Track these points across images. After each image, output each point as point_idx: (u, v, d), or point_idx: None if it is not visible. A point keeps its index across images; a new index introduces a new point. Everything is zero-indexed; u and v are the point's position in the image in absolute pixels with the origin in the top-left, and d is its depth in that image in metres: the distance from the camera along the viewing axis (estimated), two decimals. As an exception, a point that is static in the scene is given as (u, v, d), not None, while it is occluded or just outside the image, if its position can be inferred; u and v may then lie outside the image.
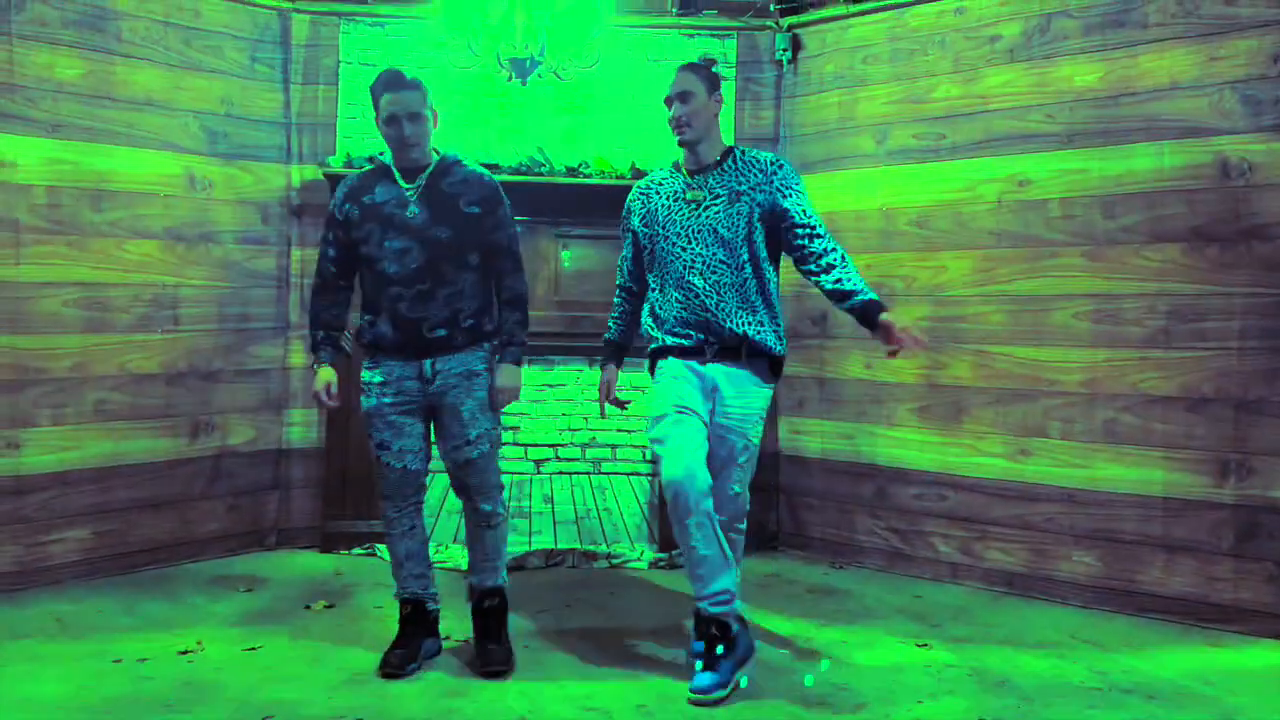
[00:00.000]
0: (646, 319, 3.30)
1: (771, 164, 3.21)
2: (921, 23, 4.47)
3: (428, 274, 3.15)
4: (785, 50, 4.82)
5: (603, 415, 3.57)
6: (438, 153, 3.27)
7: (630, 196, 3.37)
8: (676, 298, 3.18)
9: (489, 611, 3.32)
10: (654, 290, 3.28)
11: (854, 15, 4.65)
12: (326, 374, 3.24)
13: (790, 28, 4.82)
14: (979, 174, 4.31)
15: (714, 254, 3.15)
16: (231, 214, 4.55)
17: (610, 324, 3.47)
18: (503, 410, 3.31)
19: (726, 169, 3.22)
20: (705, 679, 3.03)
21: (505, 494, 3.37)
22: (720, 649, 3.07)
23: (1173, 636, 3.67)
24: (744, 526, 3.28)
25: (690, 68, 3.26)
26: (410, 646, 3.24)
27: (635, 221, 3.32)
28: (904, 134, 4.51)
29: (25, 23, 3.95)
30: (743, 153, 3.25)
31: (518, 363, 3.28)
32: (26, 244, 3.97)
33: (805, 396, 4.80)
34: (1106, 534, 4.00)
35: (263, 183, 4.65)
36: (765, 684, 3.16)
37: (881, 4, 4.57)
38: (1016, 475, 4.21)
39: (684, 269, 3.16)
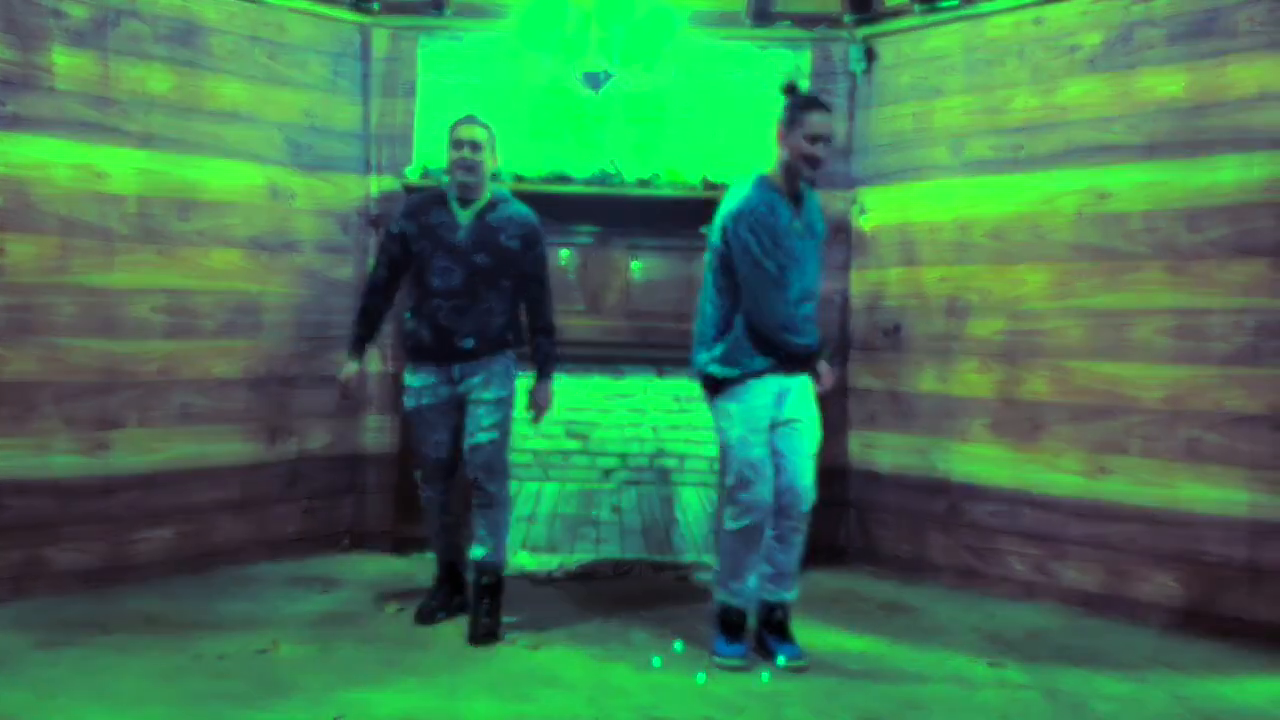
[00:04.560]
0: (741, 340, 3.38)
1: (823, 211, 3.60)
2: (999, 33, 4.41)
3: (465, 292, 3.66)
4: (860, 61, 4.78)
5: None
6: (492, 192, 3.76)
7: (752, 207, 3.32)
8: (786, 321, 3.36)
9: (487, 588, 3.71)
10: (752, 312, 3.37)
11: (930, 26, 4.60)
12: (355, 368, 3.86)
13: (865, 39, 4.79)
14: (1058, 186, 4.23)
15: (808, 282, 3.44)
16: (312, 224, 4.67)
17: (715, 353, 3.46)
18: (540, 422, 3.95)
19: (809, 205, 3.51)
20: (795, 649, 3.45)
21: (512, 487, 4.01)
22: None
23: (1259, 663, 3.55)
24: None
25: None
26: (438, 597, 3.85)
27: (764, 236, 3.30)
28: (980, 145, 4.45)
29: (121, 38, 4.10)
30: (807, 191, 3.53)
31: (551, 380, 3.87)
32: (118, 252, 4.12)
33: (877, 410, 4.75)
34: (1189, 556, 3.89)
35: (343, 193, 4.75)
36: (834, 701, 3.13)
37: (958, 15, 4.52)
38: (1095, 493, 4.12)
39: (794, 294, 3.37)
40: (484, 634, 3.60)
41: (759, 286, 3.31)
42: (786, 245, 3.34)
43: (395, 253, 3.77)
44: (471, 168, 3.67)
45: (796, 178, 3.38)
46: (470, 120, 3.71)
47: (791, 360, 3.42)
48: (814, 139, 3.31)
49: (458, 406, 3.73)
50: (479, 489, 3.73)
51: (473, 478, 3.73)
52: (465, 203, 3.72)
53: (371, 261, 4.74)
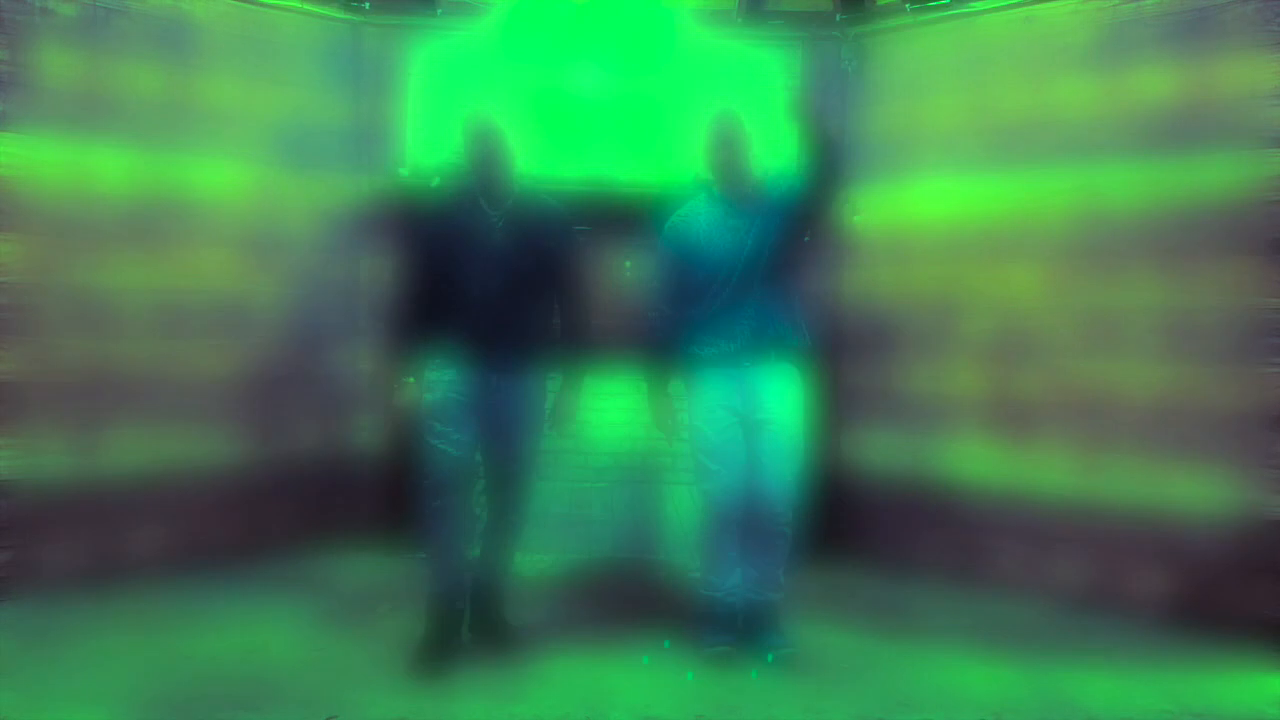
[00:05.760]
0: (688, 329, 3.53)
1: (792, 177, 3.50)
2: (990, 32, 4.42)
3: (503, 300, 3.42)
4: (851, 60, 4.79)
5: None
6: (519, 186, 3.48)
7: (669, 225, 3.55)
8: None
9: (496, 603, 3.61)
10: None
11: (921, 25, 4.61)
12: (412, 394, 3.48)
13: (856, 37, 4.79)
14: (1048, 184, 4.23)
15: (758, 254, 3.46)
16: (303, 223, 4.66)
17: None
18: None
19: (767, 188, 3.48)
20: (785, 645, 3.44)
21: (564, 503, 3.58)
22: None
23: (1251, 661, 3.55)
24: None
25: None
26: (444, 635, 3.44)
27: (671, 248, 3.55)
28: (971, 144, 4.45)
29: (111, 37, 4.08)
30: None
31: (576, 391, 3.61)
32: (108, 251, 4.11)
33: (868, 407, 4.75)
34: (1181, 553, 3.89)
35: (333, 192, 4.74)
36: (826, 698, 3.14)
37: (949, 14, 4.52)
38: (1086, 491, 4.13)
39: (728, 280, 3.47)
40: (504, 641, 3.53)
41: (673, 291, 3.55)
42: (717, 242, 3.45)
43: (426, 258, 3.49)
44: (498, 164, 3.41)
45: (733, 182, 3.47)
46: (489, 114, 3.43)
47: (732, 345, 3.45)
48: (717, 150, 3.44)
49: (485, 410, 3.44)
50: (504, 507, 3.58)
51: (502, 494, 3.57)
52: (495, 202, 3.44)
53: (365, 263, 4.77)
